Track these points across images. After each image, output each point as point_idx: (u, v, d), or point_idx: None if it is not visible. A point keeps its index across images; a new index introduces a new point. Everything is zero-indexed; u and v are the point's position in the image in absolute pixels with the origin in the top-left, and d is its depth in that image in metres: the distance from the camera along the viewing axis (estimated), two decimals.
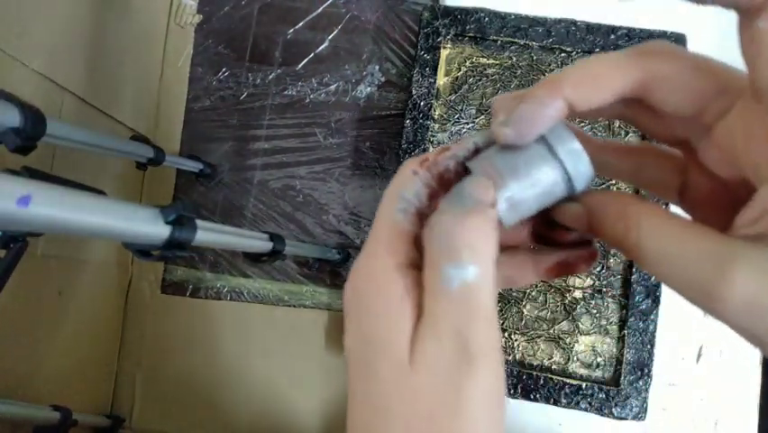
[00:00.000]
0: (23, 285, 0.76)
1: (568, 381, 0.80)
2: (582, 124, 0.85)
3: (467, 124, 0.87)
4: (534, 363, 0.83)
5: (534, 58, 0.87)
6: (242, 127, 1.02)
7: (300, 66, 1.01)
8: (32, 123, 0.56)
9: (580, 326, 0.83)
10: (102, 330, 0.98)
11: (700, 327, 0.85)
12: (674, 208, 0.23)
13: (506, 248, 0.24)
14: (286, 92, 1.01)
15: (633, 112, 0.21)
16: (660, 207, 0.19)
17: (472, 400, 0.18)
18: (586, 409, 0.79)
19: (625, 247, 0.19)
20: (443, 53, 0.88)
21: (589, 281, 0.83)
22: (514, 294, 0.84)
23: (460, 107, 0.88)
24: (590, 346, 0.82)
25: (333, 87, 1.01)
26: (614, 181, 0.83)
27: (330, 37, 1.01)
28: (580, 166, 0.20)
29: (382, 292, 0.19)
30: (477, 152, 0.22)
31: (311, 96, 1.01)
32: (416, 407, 0.18)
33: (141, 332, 1.00)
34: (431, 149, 0.87)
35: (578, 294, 0.83)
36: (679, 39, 0.84)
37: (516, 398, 0.80)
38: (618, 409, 0.79)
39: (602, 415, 0.79)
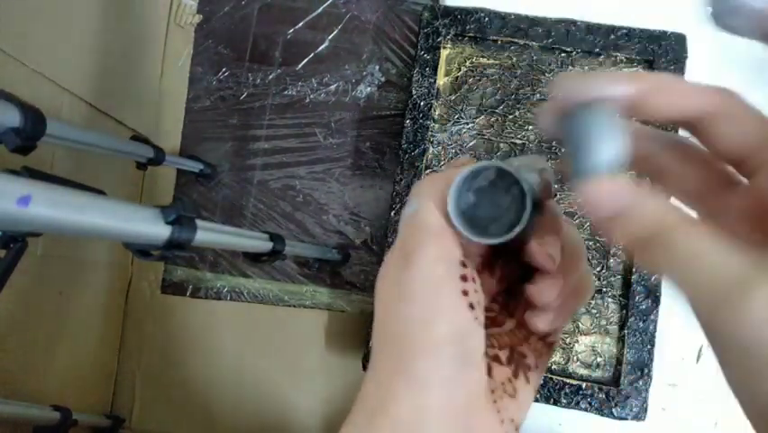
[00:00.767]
0: (23, 285, 0.76)
1: (568, 381, 0.80)
2: None
3: (467, 123, 0.87)
4: None
5: (534, 58, 0.87)
6: (242, 127, 1.02)
7: (300, 66, 1.01)
8: (32, 123, 0.56)
9: (580, 326, 0.83)
10: (102, 330, 0.98)
11: (700, 327, 0.85)
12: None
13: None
14: (286, 92, 1.01)
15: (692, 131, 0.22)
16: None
17: (408, 287, 0.22)
18: (586, 410, 0.79)
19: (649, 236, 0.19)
20: (443, 53, 0.88)
21: None
22: None
23: (460, 107, 0.88)
24: (590, 346, 0.82)
25: (333, 87, 1.01)
26: None
27: (330, 37, 1.01)
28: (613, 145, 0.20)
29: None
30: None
31: (311, 96, 1.01)
32: (378, 296, 0.23)
33: (140, 332, 1.00)
34: (431, 149, 0.87)
35: None
36: (679, 39, 0.84)
37: None
38: (618, 410, 0.79)
39: (602, 415, 0.79)
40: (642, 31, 0.85)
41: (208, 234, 0.53)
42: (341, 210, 0.99)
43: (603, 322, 0.82)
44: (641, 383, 0.79)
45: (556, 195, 0.89)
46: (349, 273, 0.98)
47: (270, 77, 1.02)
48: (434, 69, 0.87)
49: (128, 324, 1.00)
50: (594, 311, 0.83)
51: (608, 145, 0.20)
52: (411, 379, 0.21)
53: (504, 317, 0.26)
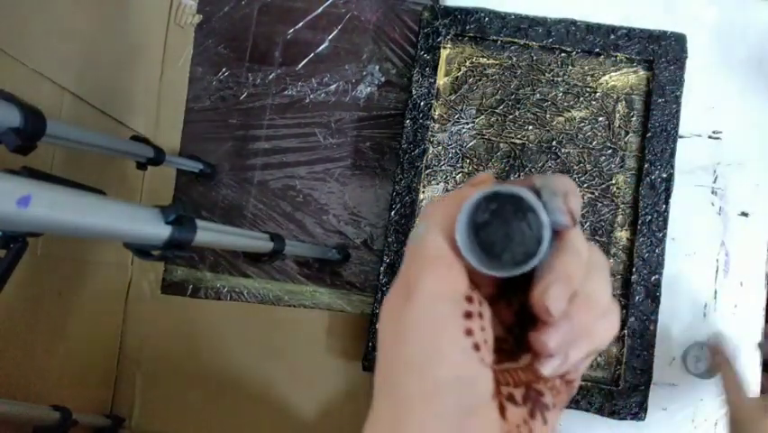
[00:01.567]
0: (23, 285, 0.77)
1: None
2: (582, 124, 0.85)
3: (467, 123, 0.87)
4: None
5: (534, 58, 0.87)
6: (242, 127, 1.02)
7: (300, 66, 1.01)
8: (32, 123, 0.56)
9: None
10: (102, 330, 0.98)
11: (700, 327, 0.85)
12: None
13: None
14: (286, 92, 1.01)
15: None
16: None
17: (407, 326, 0.20)
18: (586, 410, 0.79)
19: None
20: (443, 53, 0.88)
21: None
22: None
23: (460, 107, 0.88)
24: None
25: (333, 87, 1.01)
26: None
27: (330, 37, 1.01)
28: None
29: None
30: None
31: (311, 96, 1.01)
32: (380, 332, 0.22)
33: (141, 332, 1.00)
34: (431, 149, 0.87)
35: None
36: (679, 39, 0.84)
37: None
38: (618, 409, 0.79)
39: (602, 415, 0.79)
40: (642, 31, 0.85)
41: (208, 234, 0.53)
42: (341, 210, 0.99)
43: None
44: (641, 383, 0.79)
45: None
46: (349, 273, 0.98)
47: (270, 77, 1.02)
48: (434, 69, 0.87)
49: (128, 324, 1.00)
50: None
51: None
52: None
53: (519, 349, 0.23)
